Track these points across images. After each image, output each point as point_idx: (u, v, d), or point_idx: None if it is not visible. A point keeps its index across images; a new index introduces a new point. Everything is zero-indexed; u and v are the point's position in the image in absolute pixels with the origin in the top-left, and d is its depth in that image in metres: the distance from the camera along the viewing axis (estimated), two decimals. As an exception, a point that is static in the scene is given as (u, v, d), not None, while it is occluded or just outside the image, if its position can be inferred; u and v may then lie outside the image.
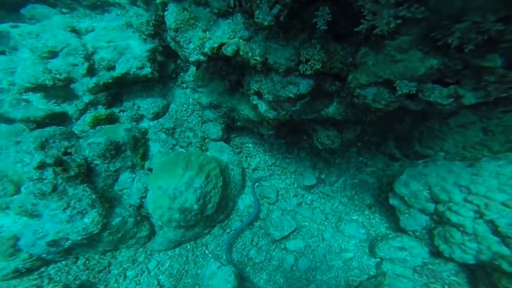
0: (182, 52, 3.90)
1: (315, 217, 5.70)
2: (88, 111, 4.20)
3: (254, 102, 4.64)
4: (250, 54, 3.73)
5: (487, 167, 3.31)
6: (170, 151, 4.83)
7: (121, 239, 3.91)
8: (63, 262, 3.91)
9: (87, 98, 4.15)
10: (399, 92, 2.77)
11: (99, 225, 3.44)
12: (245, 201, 5.79)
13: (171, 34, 3.73)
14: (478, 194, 3.17)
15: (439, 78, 2.65)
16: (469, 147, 4.86)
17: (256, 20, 3.11)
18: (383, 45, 2.87)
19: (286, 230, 5.32)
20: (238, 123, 5.88)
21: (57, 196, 3.31)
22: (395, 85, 2.80)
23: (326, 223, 5.61)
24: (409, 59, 2.64)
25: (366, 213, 5.66)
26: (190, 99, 5.60)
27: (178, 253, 4.45)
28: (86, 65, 3.98)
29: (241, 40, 3.75)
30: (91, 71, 4.13)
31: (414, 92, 2.72)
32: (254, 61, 3.75)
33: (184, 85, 5.73)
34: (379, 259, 4.57)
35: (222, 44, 3.80)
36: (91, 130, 4.05)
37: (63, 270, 3.84)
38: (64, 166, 3.48)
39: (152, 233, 4.23)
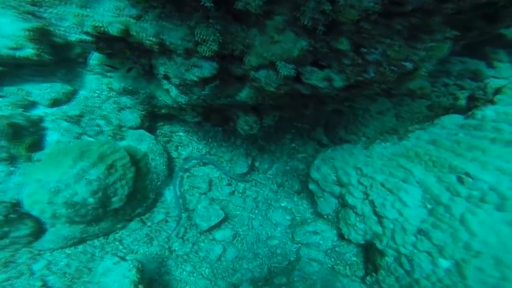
0: (56, 31, 3.44)
1: (246, 206, 5.63)
2: None
3: (165, 87, 4.33)
4: (143, 34, 3.40)
5: (377, 149, 3.41)
6: (73, 140, 4.37)
7: (-15, 241, 3.44)
8: None
9: None
10: (280, 74, 2.67)
11: None
12: (173, 192, 5.55)
13: (28, 8, 3.22)
14: (367, 175, 3.26)
15: (315, 61, 2.57)
16: (384, 132, 5.05)
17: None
18: (265, 25, 2.72)
19: (213, 220, 5.18)
20: (163, 110, 5.54)
21: None
22: (276, 66, 2.69)
23: (257, 211, 5.58)
24: (285, 40, 2.52)
25: (295, 199, 5.72)
26: (104, 85, 5.11)
27: (81, 250, 4.08)
28: None
29: (130, 19, 3.40)
30: None
31: (293, 74, 2.63)
32: (149, 42, 3.43)
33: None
34: (299, 245, 4.64)
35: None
36: None
37: None
38: None
39: (40, 231, 3.81)
